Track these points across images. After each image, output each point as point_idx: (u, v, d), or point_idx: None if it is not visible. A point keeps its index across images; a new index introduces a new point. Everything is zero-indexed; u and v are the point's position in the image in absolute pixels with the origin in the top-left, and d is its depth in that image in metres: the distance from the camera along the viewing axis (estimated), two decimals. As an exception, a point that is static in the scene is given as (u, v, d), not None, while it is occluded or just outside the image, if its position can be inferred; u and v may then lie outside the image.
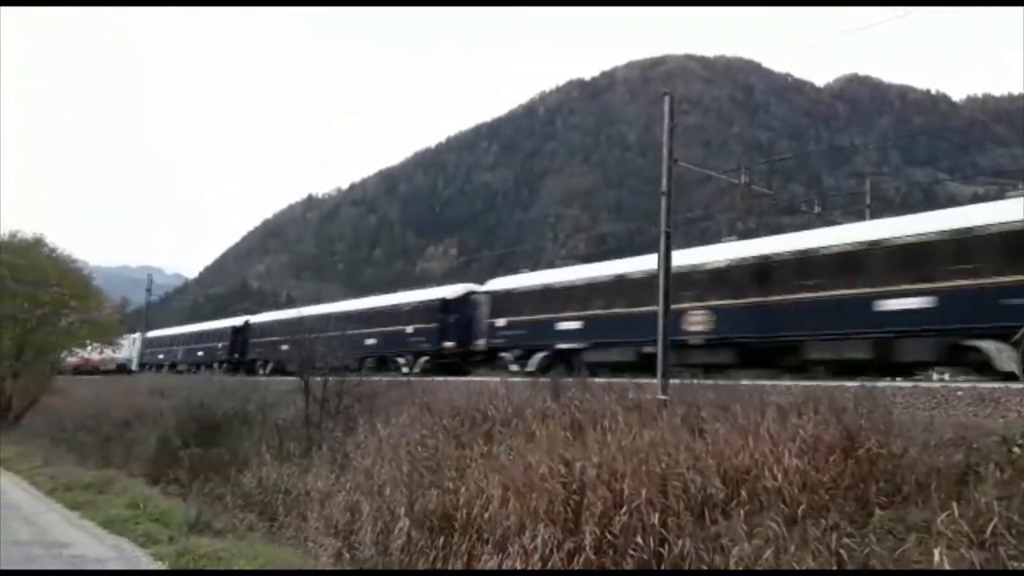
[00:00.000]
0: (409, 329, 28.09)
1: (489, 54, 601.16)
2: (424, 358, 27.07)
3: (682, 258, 17.22)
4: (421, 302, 28.93)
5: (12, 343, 29.13)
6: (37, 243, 30.96)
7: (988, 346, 13.58)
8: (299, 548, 10.11)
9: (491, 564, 8.54)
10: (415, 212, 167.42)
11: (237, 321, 43.46)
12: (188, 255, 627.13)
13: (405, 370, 26.91)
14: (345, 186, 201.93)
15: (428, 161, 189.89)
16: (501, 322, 24.35)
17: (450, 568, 8.92)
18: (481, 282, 28.50)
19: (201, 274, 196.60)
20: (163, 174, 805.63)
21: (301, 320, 31.15)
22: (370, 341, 28.50)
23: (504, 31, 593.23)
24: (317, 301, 44.16)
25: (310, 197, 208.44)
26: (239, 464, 14.90)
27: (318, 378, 16.70)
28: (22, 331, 29.14)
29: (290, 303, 64.52)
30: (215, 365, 40.86)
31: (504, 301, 25.11)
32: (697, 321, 18.65)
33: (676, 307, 16.62)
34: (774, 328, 17.10)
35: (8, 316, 28.37)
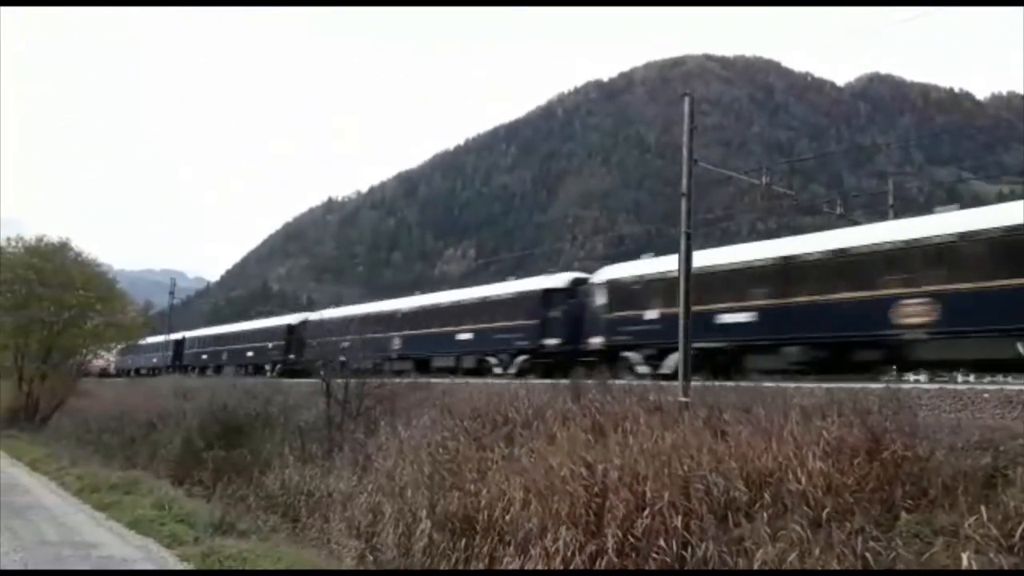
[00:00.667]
0: (270, 345, 42.70)
1: (507, 56, 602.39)
2: (278, 365, 39.58)
3: (391, 305, 33.71)
4: (274, 326, 43.32)
5: (39, 346, 29.54)
6: (63, 247, 31.33)
7: (493, 360, 25.42)
8: (322, 549, 10.18)
9: (513, 566, 8.55)
10: (433, 214, 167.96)
11: (178, 336, 54.15)
12: (210, 259, 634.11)
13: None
14: (364, 189, 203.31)
15: (447, 163, 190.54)
16: (313, 343, 35.65)
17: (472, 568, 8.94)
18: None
19: (223, 277, 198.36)
20: (185, 179, 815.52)
21: (217, 336, 47.25)
22: (250, 353, 43.54)
23: (522, 32, 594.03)
24: (338, 304, 47.35)
25: (330, 200, 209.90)
26: (262, 466, 14.99)
27: (339, 380, 16.81)
28: (49, 334, 29.52)
29: (311, 306, 65.49)
30: (165, 369, 51.49)
31: (314, 327, 37.32)
32: (395, 343, 30.02)
33: (386, 335, 29.94)
34: (423, 348, 28.94)
35: (36, 319, 28.75)
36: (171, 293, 57.87)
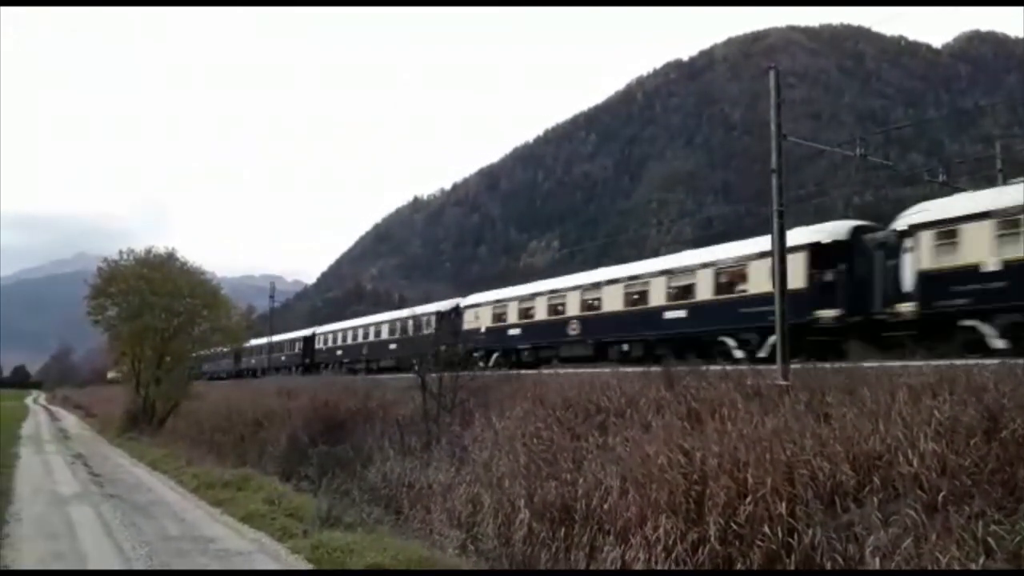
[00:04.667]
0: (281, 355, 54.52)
1: (584, 42, 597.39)
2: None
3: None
4: (294, 338, 51.94)
5: (153, 352, 31.21)
6: (170, 258, 32.83)
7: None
8: (426, 540, 10.39)
9: (613, 555, 8.53)
10: (516, 207, 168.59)
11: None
12: (306, 262, 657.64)
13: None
14: (448, 186, 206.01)
15: (527, 155, 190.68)
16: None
17: (571, 559, 8.96)
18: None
19: (318, 279, 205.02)
20: (281, 189, 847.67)
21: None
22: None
23: (597, 17, 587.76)
24: (426, 301, 46.91)
25: (416, 200, 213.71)
26: (363, 460, 15.43)
27: (433, 374, 17.13)
28: (161, 340, 31.14)
29: (402, 303, 66.94)
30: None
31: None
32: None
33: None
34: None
35: (149, 327, 30.37)
36: (271, 297, 60.15)
